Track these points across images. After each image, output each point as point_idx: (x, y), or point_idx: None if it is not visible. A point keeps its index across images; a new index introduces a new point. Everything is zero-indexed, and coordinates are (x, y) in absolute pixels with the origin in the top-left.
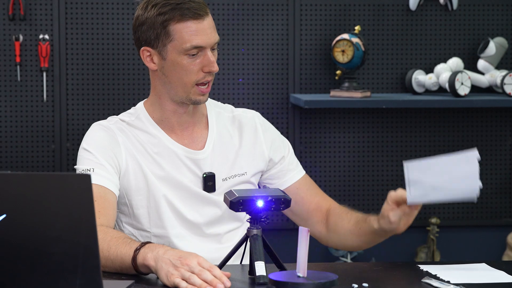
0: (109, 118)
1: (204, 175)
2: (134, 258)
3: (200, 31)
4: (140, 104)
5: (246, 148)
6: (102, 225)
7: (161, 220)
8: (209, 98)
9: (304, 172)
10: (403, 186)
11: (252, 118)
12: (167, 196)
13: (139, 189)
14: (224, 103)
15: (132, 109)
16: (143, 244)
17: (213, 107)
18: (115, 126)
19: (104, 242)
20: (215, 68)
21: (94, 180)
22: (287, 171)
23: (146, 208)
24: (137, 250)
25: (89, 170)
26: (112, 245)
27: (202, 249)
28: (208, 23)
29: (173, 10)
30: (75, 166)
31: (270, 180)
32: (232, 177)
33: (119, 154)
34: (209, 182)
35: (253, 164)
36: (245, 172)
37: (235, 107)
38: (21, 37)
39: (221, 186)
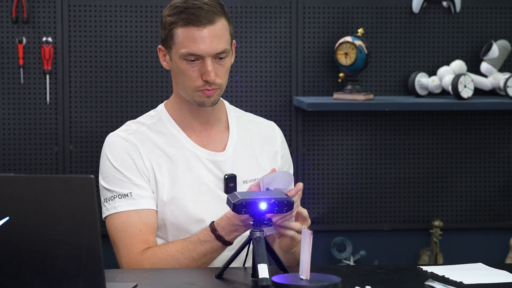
0: (127, 124)
1: (226, 176)
2: (225, 242)
3: (199, 39)
4: (161, 106)
5: (265, 153)
6: (149, 250)
7: (178, 230)
8: (227, 103)
9: None
10: (405, 187)
11: (272, 126)
12: (186, 201)
13: (158, 198)
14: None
15: (153, 111)
16: (214, 232)
17: (232, 111)
18: (133, 136)
19: (176, 257)
20: (211, 78)
21: (136, 206)
22: None
23: (162, 217)
24: (219, 238)
25: (127, 195)
26: (187, 254)
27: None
28: (210, 31)
29: (180, 13)
30: (107, 187)
31: None
32: (253, 180)
33: (144, 166)
34: (230, 184)
35: (271, 169)
36: None
37: (243, 111)
38: (24, 40)
39: (243, 189)
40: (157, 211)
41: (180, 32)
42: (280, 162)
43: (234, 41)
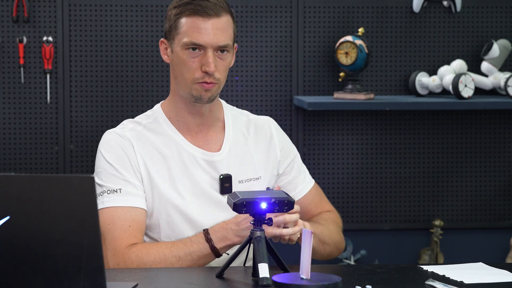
0: (124, 123)
1: (221, 177)
2: (213, 248)
3: (203, 30)
4: (157, 106)
5: (261, 152)
6: (138, 244)
7: (172, 230)
8: (224, 102)
9: (313, 181)
10: (405, 187)
11: (267, 122)
12: (181, 201)
13: (152, 196)
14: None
15: (150, 111)
16: (206, 235)
17: (229, 110)
18: (130, 133)
19: (164, 253)
20: (210, 68)
21: (125, 203)
22: (297, 184)
23: (157, 216)
24: (209, 241)
25: (116, 191)
26: (175, 252)
27: None
28: (215, 23)
29: (187, 4)
30: (99, 182)
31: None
32: (248, 180)
33: (137, 163)
34: (226, 184)
35: (267, 169)
36: (260, 177)
37: (240, 109)
38: (24, 39)
39: (238, 189)
40: (146, 210)
41: (185, 22)
42: (279, 155)
43: (236, 44)
